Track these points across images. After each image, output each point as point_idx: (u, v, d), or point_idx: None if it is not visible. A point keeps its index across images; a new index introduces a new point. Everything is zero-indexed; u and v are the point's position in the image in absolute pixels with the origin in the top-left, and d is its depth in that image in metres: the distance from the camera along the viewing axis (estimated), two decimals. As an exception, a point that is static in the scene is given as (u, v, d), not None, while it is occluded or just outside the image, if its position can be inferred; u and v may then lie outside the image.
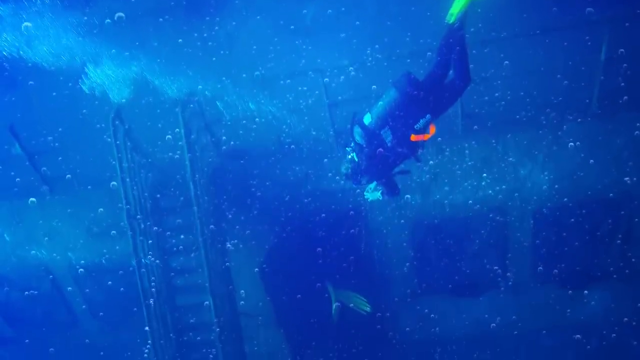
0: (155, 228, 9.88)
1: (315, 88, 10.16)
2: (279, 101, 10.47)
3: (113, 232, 10.57)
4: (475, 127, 9.73)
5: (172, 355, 9.82)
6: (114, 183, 9.63)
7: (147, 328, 9.64)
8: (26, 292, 11.65)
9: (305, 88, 10.53)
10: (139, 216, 9.55)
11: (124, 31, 10.58)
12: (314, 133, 10.36)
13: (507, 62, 9.59)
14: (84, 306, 11.81)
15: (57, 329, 12.18)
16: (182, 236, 10.04)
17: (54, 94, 10.88)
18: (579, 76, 9.47)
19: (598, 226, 10.09)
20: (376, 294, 10.67)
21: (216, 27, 11.06)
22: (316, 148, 10.35)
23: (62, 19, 9.48)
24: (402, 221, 10.49)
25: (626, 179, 9.55)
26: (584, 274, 10.43)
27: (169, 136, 9.72)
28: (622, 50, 9.08)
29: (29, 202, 10.65)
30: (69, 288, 11.59)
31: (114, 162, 9.36)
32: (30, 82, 10.94)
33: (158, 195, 10.12)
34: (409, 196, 10.08)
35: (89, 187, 10.78)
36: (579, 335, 10.66)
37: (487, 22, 8.99)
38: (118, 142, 9.34)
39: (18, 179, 10.76)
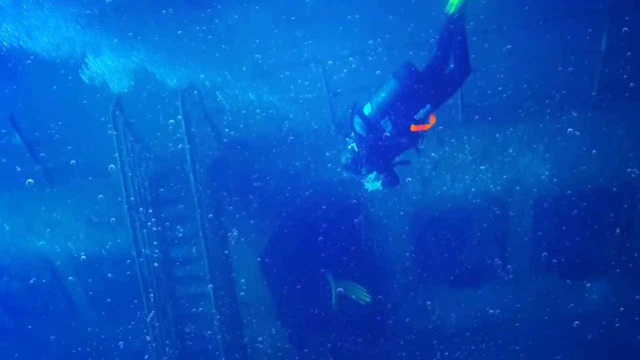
0: (154, 219, 9.89)
1: (316, 79, 10.16)
2: (279, 92, 10.47)
3: (112, 218, 10.57)
4: (477, 117, 9.73)
5: (172, 345, 9.85)
6: (112, 166, 9.58)
7: (147, 318, 9.70)
8: (26, 282, 11.68)
9: (306, 83, 10.53)
10: (141, 209, 9.58)
11: (125, 21, 10.58)
12: (316, 127, 10.36)
13: (506, 53, 9.59)
14: (87, 294, 11.83)
15: (56, 319, 12.19)
16: (181, 227, 10.05)
17: (55, 87, 10.87)
18: (579, 66, 9.47)
19: (598, 217, 10.11)
20: (376, 284, 10.70)
21: (216, 20, 11.05)
22: (317, 139, 10.35)
23: (61, 9, 9.47)
24: (402, 213, 10.53)
25: (627, 170, 9.56)
26: (585, 265, 10.45)
27: (172, 121, 9.65)
28: (622, 40, 9.08)
29: (26, 182, 10.57)
30: (70, 278, 11.61)
31: (115, 155, 9.36)
32: (31, 72, 10.91)
33: (161, 190, 10.12)
34: (410, 179, 10.04)
35: (90, 178, 10.79)
36: (578, 323, 10.68)
37: (487, 13, 9.00)
38: (117, 132, 9.32)
39: (19, 169, 10.75)
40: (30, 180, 10.54)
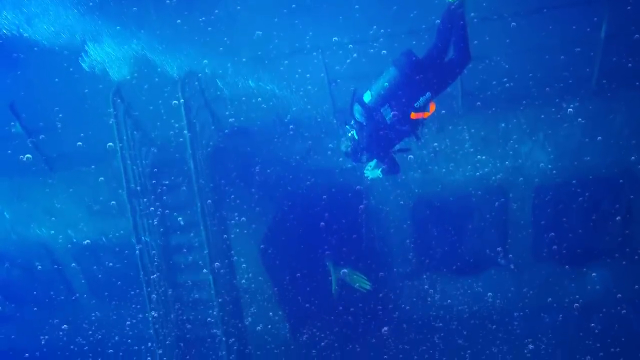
0: (153, 208, 9.91)
1: (316, 67, 10.16)
2: (278, 80, 10.47)
3: (113, 202, 10.56)
4: (478, 103, 9.72)
5: (172, 333, 9.90)
6: (110, 144, 9.56)
7: (149, 307, 9.74)
8: (26, 269, 11.70)
9: (308, 75, 10.52)
10: (145, 200, 9.60)
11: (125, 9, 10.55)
12: (318, 119, 10.36)
13: (506, 41, 9.58)
14: (83, 283, 11.86)
15: (56, 306, 12.22)
16: (181, 215, 10.08)
17: (56, 77, 10.84)
18: (578, 54, 9.46)
19: (599, 204, 10.13)
20: (376, 271, 10.75)
21: (216, 11, 11.01)
22: (317, 127, 10.36)
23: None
24: (402, 202, 10.55)
25: (627, 157, 9.58)
26: (585, 252, 10.48)
27: (175, 102, 9.60)
28: (622, 27, 9.06)
29: (25, 158, 10.52)
30: (71, 265, 11.63)
31: (119, 145, 9.37)
32: (31, 59, 10.89)
33: (162, 178, 10.12)
34: (411, 156, 10.04)
35: (93, 166, 10.78)
36: (578, 307, 10.72)
37: (488, 1, 9.00)
38: (117, 120, 9.32)
39: (21, 156, 10.73)
40: (28, 155, 10.46)
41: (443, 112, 9.54)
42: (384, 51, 9.82)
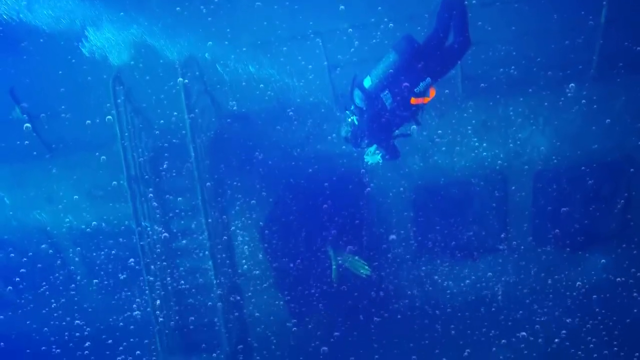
0: (151, 195, 9.93)
1: (316, 53, 10.15)
2: (279, 67, 10.46)
3: (114, 182, 10.55)
4: (482, 84, 9.70)
5: (172, 319, 9.95)
6: (109, 117, 9.53)
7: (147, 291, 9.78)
8: (26, 255, 11.71)
9: (309, 65, 10.51)
10: (145, 185, 9.61)
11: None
12: (322, 110, 10.35)
13: (507, 26, 9.57)
14: (83, 269, 11.88)
15: (56, 291, 12.25)
16: (182, 199, 10.10)
17: (56, 63, 10.83)
18: (578, 39, 9.45)
19: (599, 189, 10.15)
20: (377, 257, 10.78)
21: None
22: (317, 113, 10.35)
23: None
24: (402, 189, 10.56)
25: (627, 142, 9.59)
26: (586, 237, 10.51)
27: (181, 79, 9.57)
28: (622, 12, 9.04)
29: (24, 127, 10.46)
30: (69, 250, 11.65)
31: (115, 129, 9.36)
32: (31, 45, 10.88)
33: (163, 164, 10.12)
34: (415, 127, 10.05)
35: (97, 153, 10.77)
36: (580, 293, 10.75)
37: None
38: (119, 105, 9.31)
39: (27, 142, 10.71)
40: (27, 126, 10.38)
41: (447, 91, 9.51)
42: (391, 25, 9.77)
